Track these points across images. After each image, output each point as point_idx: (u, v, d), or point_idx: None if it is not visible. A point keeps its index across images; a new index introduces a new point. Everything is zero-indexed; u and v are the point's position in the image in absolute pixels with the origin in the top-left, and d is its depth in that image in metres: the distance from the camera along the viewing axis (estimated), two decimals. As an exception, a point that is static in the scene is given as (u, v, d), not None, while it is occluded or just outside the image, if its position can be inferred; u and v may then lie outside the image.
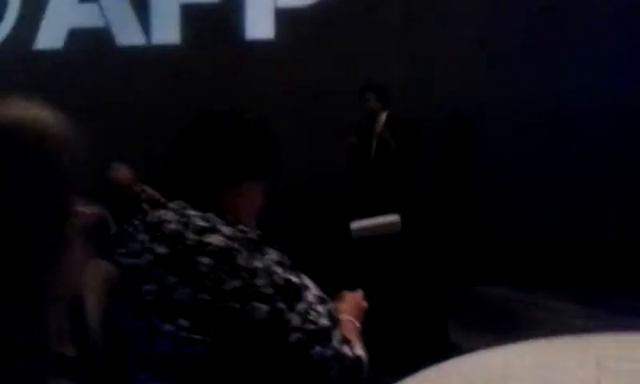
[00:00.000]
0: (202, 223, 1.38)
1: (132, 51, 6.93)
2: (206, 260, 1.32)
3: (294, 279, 1.37)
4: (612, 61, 6.18)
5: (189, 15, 6.86)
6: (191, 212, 1.41)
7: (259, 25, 6.76)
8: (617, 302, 5.12)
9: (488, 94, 6.28)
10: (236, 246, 1.34)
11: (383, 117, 5.31)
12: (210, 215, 1.40)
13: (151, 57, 6.88)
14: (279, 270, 1.35)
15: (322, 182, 6.27)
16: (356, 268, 4.96)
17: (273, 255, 1.37)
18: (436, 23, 6.52)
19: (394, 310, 4.72)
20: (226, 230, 1.37)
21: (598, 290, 5.38)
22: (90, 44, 6.94)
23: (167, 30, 6.90)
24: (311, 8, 6.64)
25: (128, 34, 6.94)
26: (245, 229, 1.40)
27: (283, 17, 6.72)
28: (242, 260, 1.33)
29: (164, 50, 6.88)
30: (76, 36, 6.99)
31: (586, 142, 6.16)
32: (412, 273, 5.06)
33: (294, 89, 6.58)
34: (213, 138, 1.48)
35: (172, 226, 1.38)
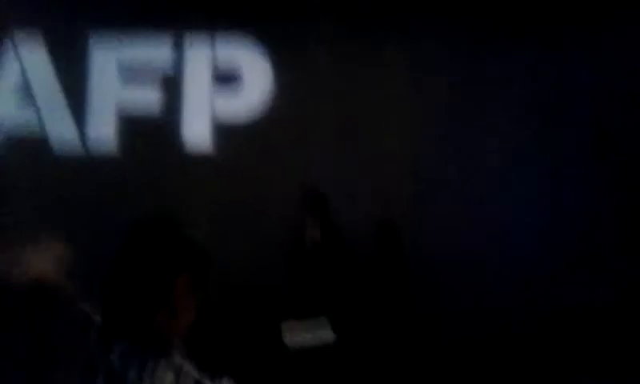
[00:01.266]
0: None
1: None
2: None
3: None
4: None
5: (126, 126, 7.00)
6: None
7: (197, 137, 6.93)
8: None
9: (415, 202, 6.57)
10: (127, 363, 1.46)
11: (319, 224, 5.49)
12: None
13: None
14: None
15: (254, 290, 6.37)
16: (289, 376, 5.03)
17: (165, 368, 1.48)
18: (367, 132, 6.83)
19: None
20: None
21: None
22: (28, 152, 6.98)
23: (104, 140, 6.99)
24: (248, 124, 6.87)
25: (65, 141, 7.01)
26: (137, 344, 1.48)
27: (221, 130, 6.92)
28: (132, 377, 1.44)
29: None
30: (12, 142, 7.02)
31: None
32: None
33: (231, 201, 6.73)
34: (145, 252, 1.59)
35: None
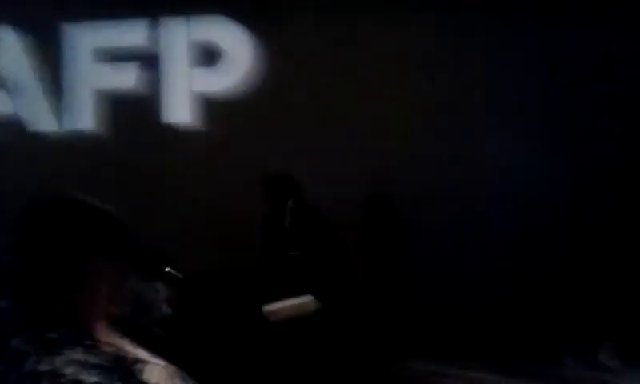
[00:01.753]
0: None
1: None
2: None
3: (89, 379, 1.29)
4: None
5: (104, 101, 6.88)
6: None
7: (177, 110, 6.83)
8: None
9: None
10: (30, 349, 1.30)
11: (290, 203, 5.36)
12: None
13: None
14: (69, 370, 1.28)
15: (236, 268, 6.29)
16: (274, 352, 4.95)
17: (72, 356, 1.30)
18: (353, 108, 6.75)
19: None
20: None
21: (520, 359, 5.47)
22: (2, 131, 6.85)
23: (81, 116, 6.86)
24: (230, 99, 6.78)
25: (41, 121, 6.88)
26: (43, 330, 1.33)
27: (202, 106, 6.83)
28: (30, 364, 1.29)
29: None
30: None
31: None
32: (331, 352, 5.09)
33: (214, 175, 6.63)
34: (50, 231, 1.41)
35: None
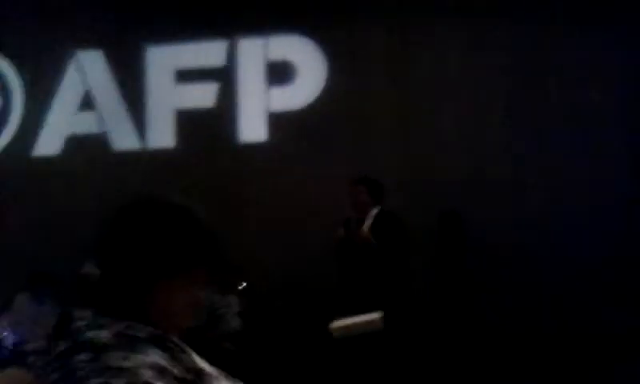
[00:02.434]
0: (92, 321, 1.35)
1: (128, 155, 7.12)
2: (82, 356, 1.29)
3: None
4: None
5: (183, 120, 7.09)
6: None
7: (252, 128, 6.97)
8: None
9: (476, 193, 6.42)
10: (114, 342, 1.29)
11: (374, 212, 5.20)
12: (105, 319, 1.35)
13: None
14: (149, 373, 1.26)
15: (306, 283, 6.31)
16: (338, 369, 4.91)
17: (154, 357, 1.30)
18: (426, 121, 6.72)
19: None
20: (115, 327, 1.32)
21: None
22: (88, 149, 7.15)
23: (162, 134, 7.10)
24: (302, 111, 6.86)
25: (124, 139, 7.15)
26: (133, 326, 1.33)
27: (275, 120, 6.94)
28: (112, 359, 1.27)
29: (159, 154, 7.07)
30: (74, 142, 7.21)
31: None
32: (398, 372, 5.02)
33: (288, 191, 6.72)
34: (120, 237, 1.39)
35: (74, 325, 1.36)
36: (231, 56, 7.05)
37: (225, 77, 7.04)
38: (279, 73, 6.93)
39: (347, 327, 4.93)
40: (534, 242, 6.26)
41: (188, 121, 7.07)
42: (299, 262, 6.46)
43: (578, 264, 6.08)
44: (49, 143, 7.26)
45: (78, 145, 7.21)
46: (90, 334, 1.30)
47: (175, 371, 1.30)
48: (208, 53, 7.09)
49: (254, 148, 6.96)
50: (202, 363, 1.41)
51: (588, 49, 6.42)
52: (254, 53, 7.01)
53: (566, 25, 6.49)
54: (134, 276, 1.37)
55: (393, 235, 5.08)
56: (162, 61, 7.16)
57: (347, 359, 4.73)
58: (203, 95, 7.04)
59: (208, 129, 7.02)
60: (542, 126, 6.54)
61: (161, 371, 1.28)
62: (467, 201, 6.31)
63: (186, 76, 7.10)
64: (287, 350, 5.81)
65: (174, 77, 7.12)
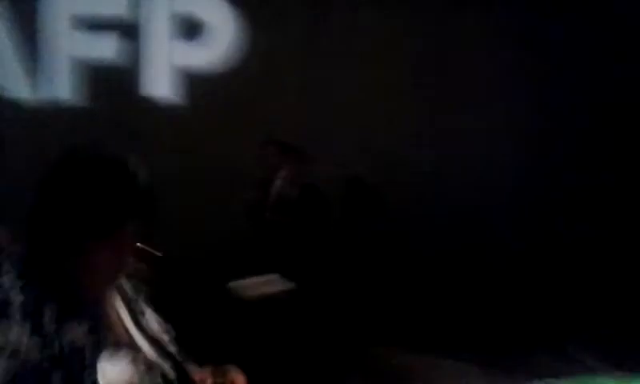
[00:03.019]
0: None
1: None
2: None
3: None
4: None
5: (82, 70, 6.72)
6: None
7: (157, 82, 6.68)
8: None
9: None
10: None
11: (284, 173, 5.29)
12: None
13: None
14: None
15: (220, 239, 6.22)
16: (244, 330, 4.91)
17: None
18: (337, 84, 6.67)
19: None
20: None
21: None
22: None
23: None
24: (212, 72, 6.66)
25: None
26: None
27: (184, 79, 6.70)
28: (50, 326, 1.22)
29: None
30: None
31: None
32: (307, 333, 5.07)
33: (194, 148, 6.52)
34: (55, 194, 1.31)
35: None
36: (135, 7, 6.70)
37: (128, 29, 6.70)
38: (186, 28, 6.65)
39: (248, 288, 4.89)
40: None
41: (88, 72, 6.70)
42: (202, 222, 6.34)
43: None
44: None
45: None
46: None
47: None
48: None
49: (159, 103, 6.68)
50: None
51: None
52: (159, 4, 6.68)
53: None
54: (59, 239, 1.28)
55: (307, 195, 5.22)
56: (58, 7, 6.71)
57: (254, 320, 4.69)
58: (104, 46, 6.67)
59: (110, 81, 6.68)
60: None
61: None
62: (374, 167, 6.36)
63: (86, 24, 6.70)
64: (194, 315, 5.71)
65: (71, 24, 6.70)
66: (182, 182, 6.45)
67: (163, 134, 6.60)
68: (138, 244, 4.56)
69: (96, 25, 6.68)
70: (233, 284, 4.98)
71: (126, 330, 1.35)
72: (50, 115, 6.61)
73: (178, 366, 1.37)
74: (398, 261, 6.17)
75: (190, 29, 6.66)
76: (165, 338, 1.40)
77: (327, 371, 4.99)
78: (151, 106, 6.69)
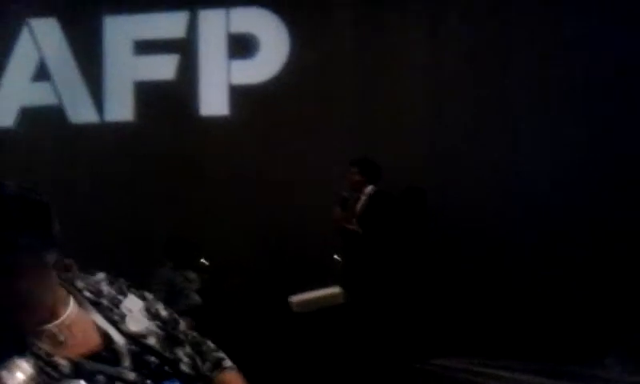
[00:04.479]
0: None
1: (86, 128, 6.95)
2: None
3: None
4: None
5: (143, 92, 6.93)
6: None
7: (213, 101, 6.85)
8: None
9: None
10: None
11: (368, 190, 5.55)
12: None
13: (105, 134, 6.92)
14: None
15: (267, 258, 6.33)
16: (299, 345, 4.96)
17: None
18: (388, 98, 6.69)
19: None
20: None
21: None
22: (43, 122, 6.95)
23: (121, 108, 6.93)
24: (264, 85, 6.76)
25: (81, 112, 6.97)
26: None
27: (237, 93, 6.83)
28: None
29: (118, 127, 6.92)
30: (29, 114, 7.00)
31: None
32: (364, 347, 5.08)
33: (248, 164, 6.63)
34: None
35: None
36: (192, 28, 6.90)
37: (186, 49, 6.90)
38: (241, 46, 6.80)
39: (307, 301, 4.95)
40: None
41: (148, 93, 6.92)
42: (261, 237, 6.43)
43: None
44: (2, 115, 7.03)
45: (33, 117, 7.00)
46: None
47: None
48: (168, 24, 6.93)
49: (215, 121, 6.84)
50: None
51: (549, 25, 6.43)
52: (215, 25, 6.86)
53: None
54: None
55: (382, 215, 5.46)
56: (121, 31, 6.97)
57: (308, 334, 4.74)
58: (163, 67, 6.88)
59: (168, 102, 6.88)
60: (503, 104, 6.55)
61: None
62: (429, 178, 6.31)
63: (146, 47, 6.93)
64: (248, 326, 5.77)
65: (133, 48, 6.94)
66: (238, 197, 6.57)
67: (218, 149, 6.72)
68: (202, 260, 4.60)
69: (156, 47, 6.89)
70: (292, 297, 5.03)
71: (105, 335, 1.36)
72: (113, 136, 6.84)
73: (164, 363, 1.37)
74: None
75: (245, 46, 6.78)
76: (151, 339, 1.40)
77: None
78: (208, 123, 6.83)
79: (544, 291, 5.98)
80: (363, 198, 5.55)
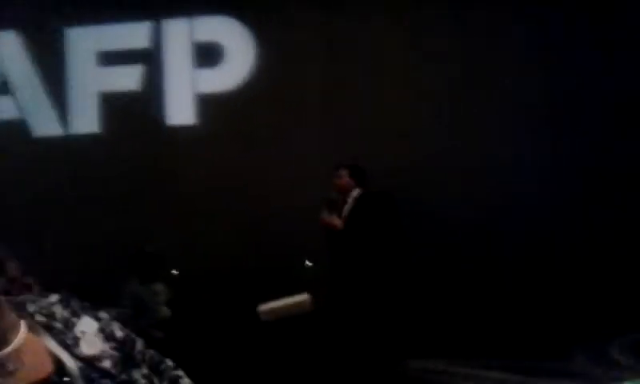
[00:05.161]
0: None
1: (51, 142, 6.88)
2: None
3: None
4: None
5: (108, 103, 6.87)
6: None
7: (180, 111, 6.82)
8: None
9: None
10: None
11: (355, 193, 5.59)
12: None
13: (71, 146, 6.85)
14: None
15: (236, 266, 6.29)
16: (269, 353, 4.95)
17: None
18: (352, 106, 6.70)
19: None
20: None
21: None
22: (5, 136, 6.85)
23: (86, 120, 6.87)
24: (230, 93, 6.75)
25: (46, 125, 6.89)
26: None
27: (203, 102, 6.81)
28: None
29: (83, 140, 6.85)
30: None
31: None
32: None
33: (217, 173, 6.61)
34: None
35: None
36: (156, 38, 6.86)
37: (150, 59, 6.86)
38: (206, 54, 6.78)
39: (275, 310, 4.95)
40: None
41: (113, 104, 6.86)
42: (228, 245, 6.41)
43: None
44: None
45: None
46: None
47: None
48: (132, 34, 6.88)
49: (182, 131, 6.81)
50: None
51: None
52: (179, 34, 6.84)
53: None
54: None
55: (367, 216, 5.49)
56: (84, 43, 6.91)
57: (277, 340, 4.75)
58: (128, 78, 6.83)
59: (134, 112, 6.83)
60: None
61: None
62: (402, 180, 6.32)
63: (110, 58, 6.88)
64: (219, 337, 5.75)
65: (97, 59, 6.88)
66: (206, 206, 6.54)
67: (185, 158, 6.69)
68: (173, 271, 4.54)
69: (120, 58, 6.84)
70: (261, 306, 5.02)
71: (57, 361, 1.35)
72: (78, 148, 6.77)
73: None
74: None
75: (210, 55, 6.76)
76: (106, 361, 1.39)
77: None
78: (175, 133, 6.80)
79: (523, 290, 6.06)
80: (350, 200, 5.59)
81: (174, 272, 6.11)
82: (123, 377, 1.36)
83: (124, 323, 1.52)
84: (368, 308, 5.32)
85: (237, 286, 6.17)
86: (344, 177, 5.62)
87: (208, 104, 6.78)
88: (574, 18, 6.32)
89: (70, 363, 1.32)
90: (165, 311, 5.61)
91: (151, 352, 1.49)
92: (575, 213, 6.19)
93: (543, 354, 5.42)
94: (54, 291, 1.46)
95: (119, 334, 1.43)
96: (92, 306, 1.42)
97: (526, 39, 6.43)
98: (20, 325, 1.32)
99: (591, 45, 6.28)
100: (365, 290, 5.32)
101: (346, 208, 5.57)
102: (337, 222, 5.51)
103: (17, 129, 6.88)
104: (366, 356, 5.18)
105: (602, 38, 6.23)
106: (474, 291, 6.14)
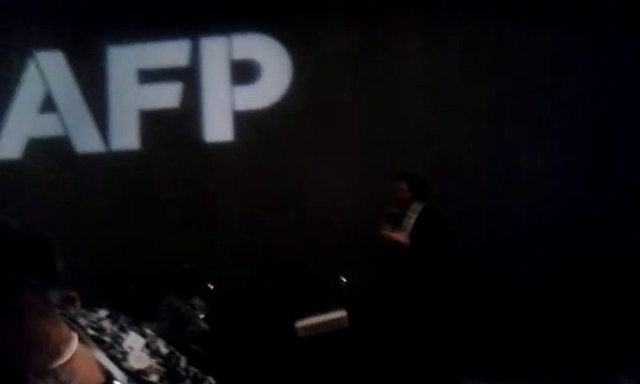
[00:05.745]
0: None
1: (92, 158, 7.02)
2: None
3: None
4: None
5: (147, 121, 7.01)
6: None
7: (218, 128, 6.92)
8: None
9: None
10: None
11: (419, 207, 5.40)
12: None
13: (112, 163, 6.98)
14: None
15: (274, 283, 6.32)
16: (306, 369, 4.93)
17: None
18: (390, 120, 6.73)
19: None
20: None
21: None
22: (49, 152, 7.02)
23: (126, 136, 7.01)
24: (267, 110, 6.83)
25: (87, 141, 7.05)
26: None
27: (241, 119, 6.90)
28: None
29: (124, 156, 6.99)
30: (35, 145, 7.08)
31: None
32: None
33: (254, 189, 6.68)
34: None
35: None
36: (195, 55, 6.98)
37: (189, 77, 6.98)
38: (244, 72, 6.88)
39: (312, 326, 4.95)
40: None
41: (152, 122, 6.99)
42: (266, 260, 6.45)
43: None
44: (9, 146, 7.12)
45: (39, 148, 7.08)
46: None
47: None
48: (171, 52, 7.02)
49: (220, 147, 6.91)
50: None
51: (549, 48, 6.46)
52: (217, 52, 6.95)
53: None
54: None
55: (433, 233, 5.28)
56: (124, 61, 7.06)
57: (315, 358, 4.74)
58: (167, 95, 6.96)
59: (173, 130, 6.95)
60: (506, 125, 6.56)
61: None
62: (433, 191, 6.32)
63: (150, 76, 7.01)
64: (256, 351, 5.78)
65: (137, 77, 7.03)
66: (244, 222, 6.59)
67: (224, 175, 6.76)
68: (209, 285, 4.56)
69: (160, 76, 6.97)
70: (298, 322, 5.03)
71: (107, 373, 1.38)
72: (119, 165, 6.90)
73: None
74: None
75: (247, 72, 6.85)
76: (153, 376, 1.42)
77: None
78: (213, 150, 6.89)
79: (552, 306, 5.98)
80: (413, 214, 5.39)
81: (210, 286, 6.16)
82: None
83: (163, 338, 1.57)
84: (432, 323, 5.18)
85: (274, 302, 6.21)
86: (405, 190, 5.44)
87: (245, 121, 6.86)
88: (600, 31, 6.27)
89: (119, 376, 1.36)
90: (203, 326, 5.65)
91: (195, 370, 1.52)
92: (608, 224, 6.11)
93: (581, 374, 5.34)
94: (94, 305, 1.51)
95: (164, 350, 1.47)
96: (135, 322, 1.47)
97: (550, 54, 6.40)
98: (72, 337, 1.36)
99: (614, 56, 6.21)
100: (430, 306, 5.18)
101: (408, 222, 5.36)
102: (403, 239, 5.29)
103: (60, 145, 7.05)
104: (426, 373, 5.10)
105: (632, 50, 6.17)
106: (509, 307, 6.08)
